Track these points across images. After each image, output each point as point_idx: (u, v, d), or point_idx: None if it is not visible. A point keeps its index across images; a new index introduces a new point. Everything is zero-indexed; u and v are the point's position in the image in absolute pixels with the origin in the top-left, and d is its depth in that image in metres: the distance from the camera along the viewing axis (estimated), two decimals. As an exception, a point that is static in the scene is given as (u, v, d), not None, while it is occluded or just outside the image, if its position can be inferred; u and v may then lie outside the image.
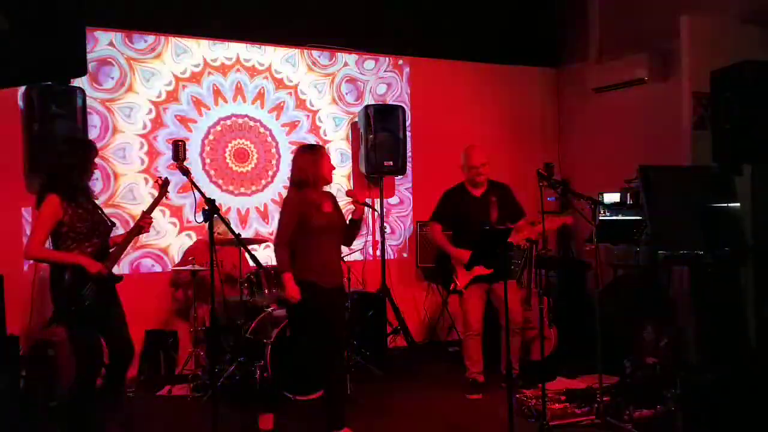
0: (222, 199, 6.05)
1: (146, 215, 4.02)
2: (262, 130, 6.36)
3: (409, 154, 6.63)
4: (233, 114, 6.25)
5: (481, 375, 5.11)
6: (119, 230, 4.45)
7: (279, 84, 6.43)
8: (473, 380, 5.10)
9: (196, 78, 6.10)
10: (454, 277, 5.13)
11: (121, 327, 3.99)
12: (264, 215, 6.36)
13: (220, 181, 6.17)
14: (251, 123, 6.32)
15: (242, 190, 6.27)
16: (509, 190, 5.30)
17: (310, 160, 4.19)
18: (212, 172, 6.15)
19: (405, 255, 6.94)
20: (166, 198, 4.05)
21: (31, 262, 5.30)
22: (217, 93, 6.18)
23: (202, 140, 6.12)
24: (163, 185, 4.04)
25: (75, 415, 3.88)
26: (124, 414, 4.10)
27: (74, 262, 3.77)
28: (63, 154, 3.92)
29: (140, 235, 4.30)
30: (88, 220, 3.85)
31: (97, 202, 4.09)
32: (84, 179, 3.92)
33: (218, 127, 6.19)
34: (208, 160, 6.13)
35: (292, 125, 6.49)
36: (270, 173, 6.40)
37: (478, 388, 5.06)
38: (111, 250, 3.99)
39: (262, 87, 6.36)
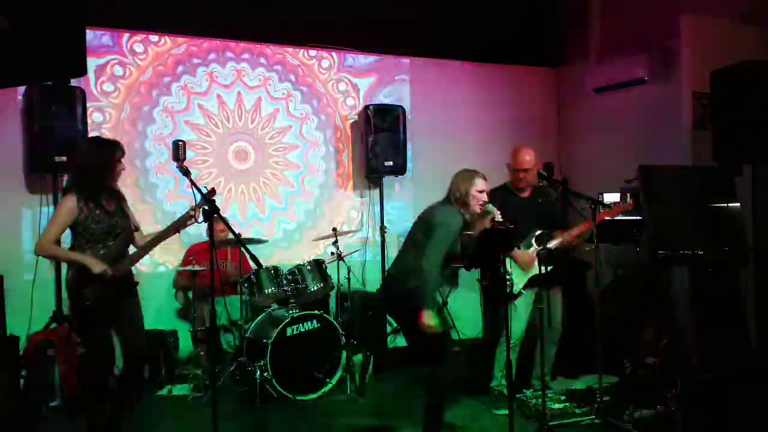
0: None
1: (186, 219, 3.87)
2: (259, 131, 6.36)
3: (409, 154, 6.62)
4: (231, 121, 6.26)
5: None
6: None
7: (278, 83, 6.43)
8: (500, 392, 4.75)
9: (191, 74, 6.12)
10: (509, 279, 4.67)
11: (132, 330, 3.94)
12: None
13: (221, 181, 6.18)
14: (249, 126, 6.32)
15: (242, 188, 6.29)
16: (550, 193, 5.04)
17: (469, 182, 4.06)
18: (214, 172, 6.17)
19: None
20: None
21: (33, 261, 5.31)
22: (217, 95, 6.20)
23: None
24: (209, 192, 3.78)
25: (88, 414, 3.89)
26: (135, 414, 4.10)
27: (78, 261, 3.75)
28: (85, 155, 3.89)
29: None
30: (104, 222, 3.80)
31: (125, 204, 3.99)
32: (107, 180, 3.85)
33: (219, 130, 6.20)
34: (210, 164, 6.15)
35: (290, 125, 6.49)
36: (266, 173, 6.41)
37: (505, 399, 4.48)
38: (131, 253, 3.93)
39: (261, 86, 6.37)
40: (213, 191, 3.74)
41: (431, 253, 3.86)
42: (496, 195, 4.88)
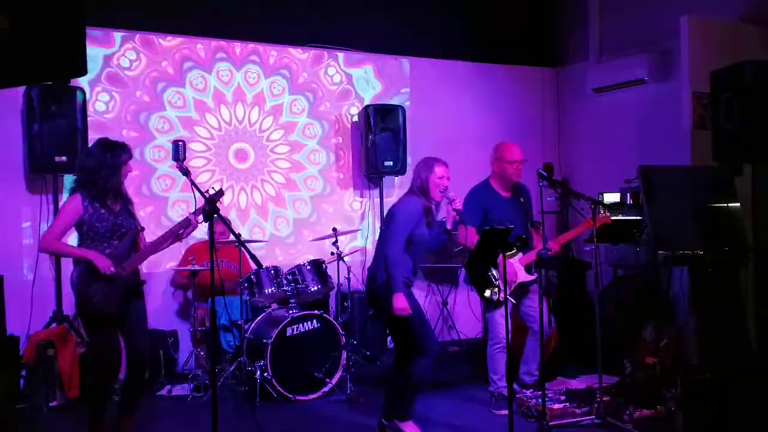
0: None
1: (191, 218, 3.90)
2: (259, 131, 6.36)
3: (409, 154, 6.62)
4: (233, 118, 6.26)
5: (506, 388, 4.63)
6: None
7: (278, 83, 6.43)
8: (500, 394, 4.74)
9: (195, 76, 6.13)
10: (495, 285, 4.59)
11: (136, 330, 3.95)
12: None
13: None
14: (249, 126, 6.32)
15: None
16: (528, 192, 5.00)
17: (429, 170, 4.17)
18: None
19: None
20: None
21: (33, 261, 5.32)
22: (218, 95, 6.20)
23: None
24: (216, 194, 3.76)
25: (89, 414, 3.89)
26: (137, 417, 4.10)
27: (84, 257, 3.75)
28: (91, 156, 3.89)
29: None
30: (109, 222, 3.81)
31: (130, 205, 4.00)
32: (113, 181, 3.85)
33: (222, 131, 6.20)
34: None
35: (290, 125, 6.49)
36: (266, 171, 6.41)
37: (504, 401, 4.51)
38: (137, 252, 3.92)
39: (261, 86, 6.37)
40: (221, 192, 3.73)
41: (392, 240, 4.05)
42: (480, 194, 4.86)
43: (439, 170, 4.13)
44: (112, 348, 3.89)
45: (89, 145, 4.00)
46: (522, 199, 4.89)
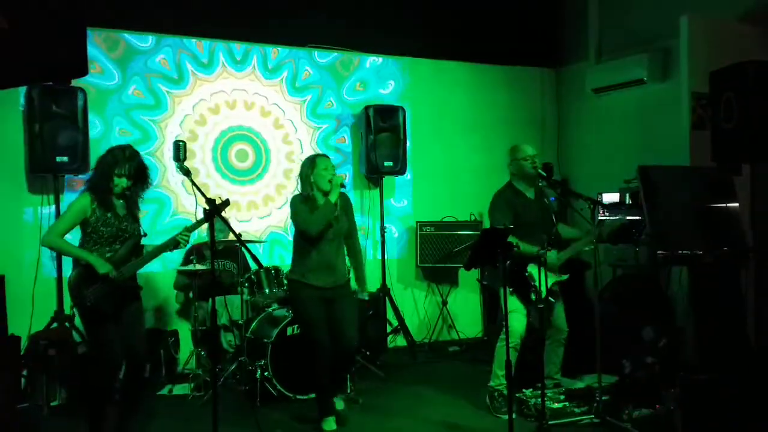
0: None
1: (187, 231, 3.92)
2: (259, 132, 6.37)
3: (409, 154, 6.63)
4: (234, 122, 6.28)
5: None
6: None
7: (277, 84, 6.44)
8: (499, 392, 4.65)
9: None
10: (534, 283, 4.52)
11: (133, 335, 3.95)
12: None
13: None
14: (248, 130, 6.33)
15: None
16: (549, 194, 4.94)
17: (309, 167, 4.45)
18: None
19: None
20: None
21: (34, 261, 5.33)
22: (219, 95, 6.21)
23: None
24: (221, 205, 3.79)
25: (90, 414, 3.91)
26: (138, 416, 4.12)
27: (84, 259, 3.76)
28: (111, 162, 3.87)
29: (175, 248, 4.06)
30: (113, 226, 3.82)
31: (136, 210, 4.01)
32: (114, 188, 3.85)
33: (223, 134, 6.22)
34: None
35: (290, 125, 6.50)
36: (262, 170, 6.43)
37: (503, 401, 4.50)
38: (135, 258, 3.93)
39: (260, 87, 6.38)
40: (227, 202, 3.77)
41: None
42: (507, 195, 4.77)
43: (320, 164, 4.41)
44: (112, 348, 3.89)
45: (114, 148, 3.94)
46: (546, 200, 4.82)
